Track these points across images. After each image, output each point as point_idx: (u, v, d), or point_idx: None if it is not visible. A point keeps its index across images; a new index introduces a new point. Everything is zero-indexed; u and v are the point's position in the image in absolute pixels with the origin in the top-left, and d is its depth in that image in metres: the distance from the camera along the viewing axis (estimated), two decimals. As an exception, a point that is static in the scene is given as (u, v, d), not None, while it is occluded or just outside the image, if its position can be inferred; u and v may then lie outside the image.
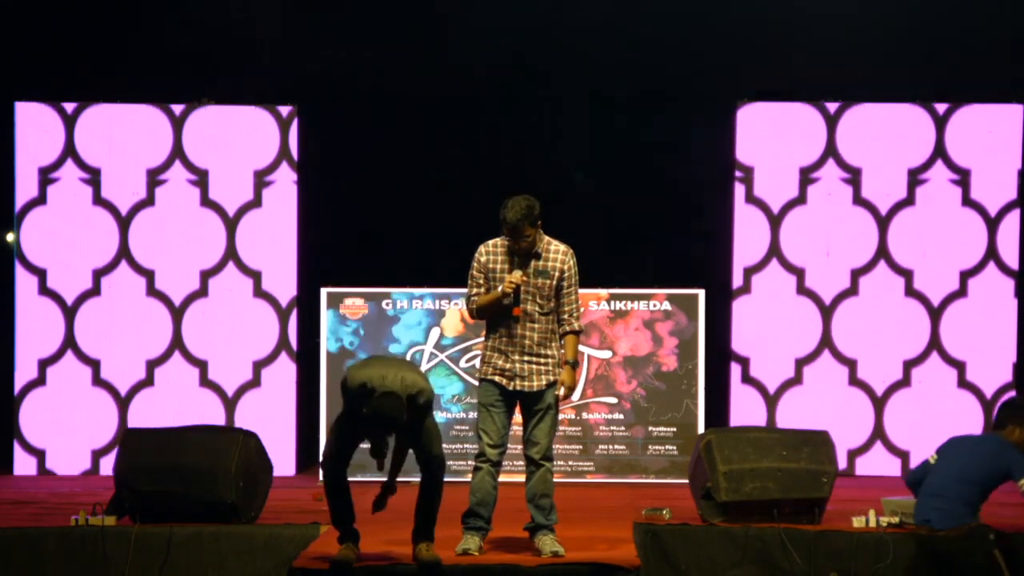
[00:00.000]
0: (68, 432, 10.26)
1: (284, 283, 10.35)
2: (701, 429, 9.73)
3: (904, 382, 10.32)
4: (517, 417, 6.93)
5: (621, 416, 9.94)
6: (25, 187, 10.29)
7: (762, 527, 7.29)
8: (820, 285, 10.34)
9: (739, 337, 10.34)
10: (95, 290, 10.31)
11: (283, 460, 10.10)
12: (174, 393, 10.28)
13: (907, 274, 10.33)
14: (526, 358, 6.79)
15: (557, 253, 6.85)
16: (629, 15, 10.56)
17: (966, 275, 10.30)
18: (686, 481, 8.24)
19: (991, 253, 10.29)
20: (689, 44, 10.56)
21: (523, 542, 6.95)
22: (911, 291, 10.31)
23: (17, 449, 10.25)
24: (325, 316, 9.95)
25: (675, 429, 9.91)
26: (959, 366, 10.30)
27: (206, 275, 10.32)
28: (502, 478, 6.98)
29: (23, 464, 10.25)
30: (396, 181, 10.89)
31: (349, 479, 6.65)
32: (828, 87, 10.39)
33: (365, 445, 6.49)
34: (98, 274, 10.31)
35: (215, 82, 10.45)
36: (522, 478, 6.96)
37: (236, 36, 10.45)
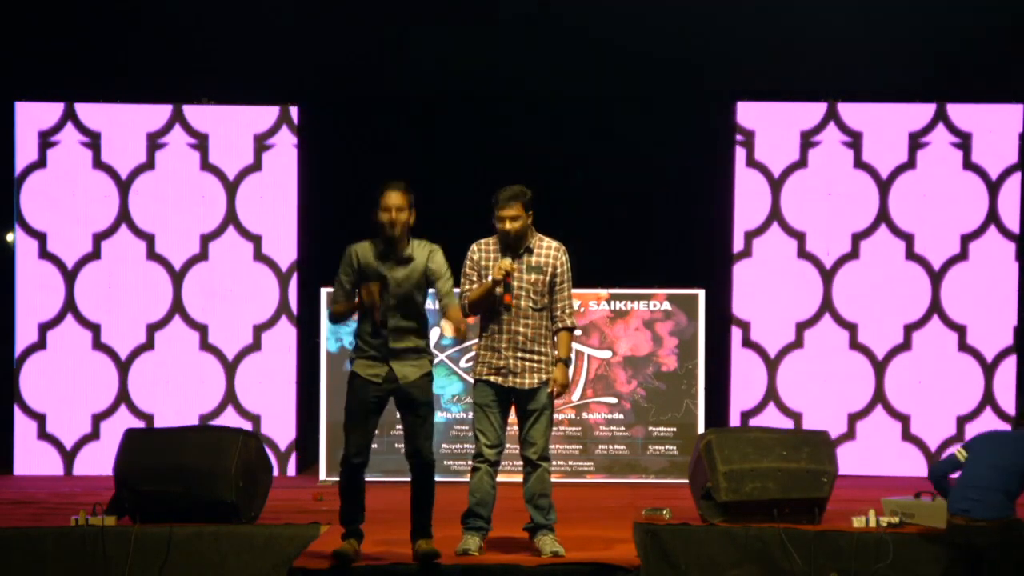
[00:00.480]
0: (68, 397, 10.28)
1: (285, 282, 10.37)
2: (701, 429, 9.73)
3: (905, 346, 10.32)
4: (514, 417, 6.92)
5: (621, 416, 9.94)
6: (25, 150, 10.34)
7: (762, 527, 7.30)
8: (820, 250, 10.35)
9: (740, 302, 10.33)
10: (95, 254, 10.34)
11: (283, 460, 10.11)
12: (175, 357, 10.32)
13: (908, 237, 10.32)
14: (519, 355, 6.77)
15: (550, 249, 6.85)
16: (629, 12, 10.55)
17: (967, 239, 10.28)
18: (686, 481, 8.24)
19: (992, 217, 10.31)
20: (689, 43, 10.56)
21: (523, 542, 6.95)
22: (911, 255, 10.32)
23: (17, 413, 10.26)
24: (325, 316, 9.95)
25: (675, 429, 9.91)
26: (960, 330, 10.31)
27: (207, 238, 10.37)
28: (502, 478, 6.98)
29: (23, 427, 10.26)
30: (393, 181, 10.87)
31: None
32: (827, 87, 10.40)
33: (375, 445, 6.51)
34: (98, 238, 10.32)
35: (215, 82, 10.46)
36: (521, 478, 6.95)
37: (236, 36, 10.45)
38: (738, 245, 10.33)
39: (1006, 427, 9.57)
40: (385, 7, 10.59)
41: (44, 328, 10.29)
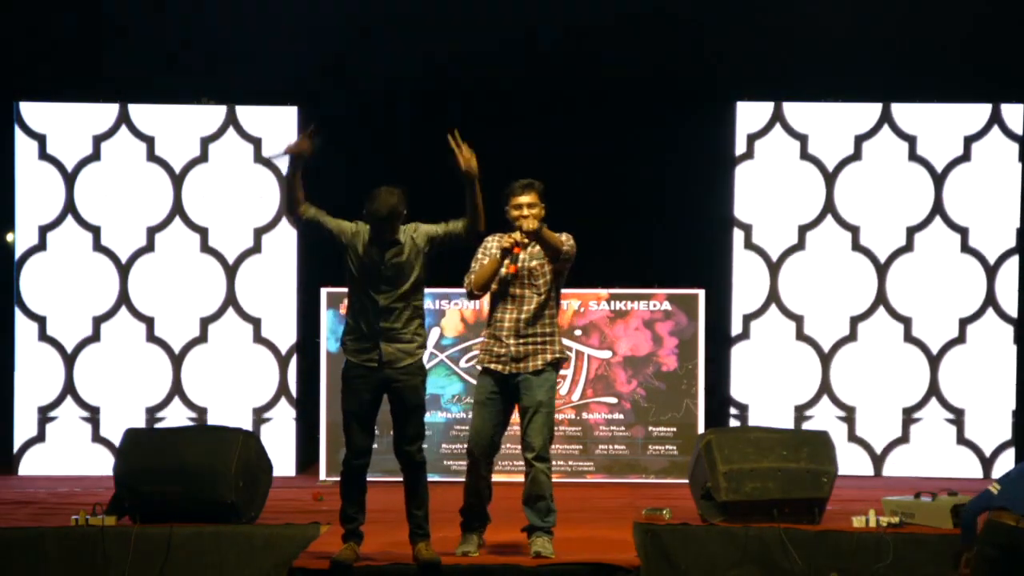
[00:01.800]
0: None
1: (285, 283, 10.37)
2: (701, 429, 9.73)
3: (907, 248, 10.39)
4: (514, 417, 6.90)
5: (621, 416, 9.94)
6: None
7: (762, 527, 7.29)
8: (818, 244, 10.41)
9: (741, 204, 10.34)
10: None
11: (283, 460, 10.10)
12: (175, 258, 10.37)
13: (906, 322, 10.38)
14: (520, 340, 6.72)
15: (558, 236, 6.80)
16: (630, 12, 10.55)
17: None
18: (686, 481, 8.24)
19: None
20: (689, 42, 10.56)
21: (523, 542, 6.95)
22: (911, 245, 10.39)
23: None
24: (325, 316, 9.95)
25: (675, 429, 9.91)
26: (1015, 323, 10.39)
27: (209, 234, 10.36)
28: (504, 478, 6.98)
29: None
30: (395, 180, 10.86)
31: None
32: (829, 87, 10.41)
33: (376, 445, 6.51)
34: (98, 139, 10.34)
35: (216, 82, 10.46)
36: (522, 478, 6.94)
37: (238, 35, 10.45)
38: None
39: None
40: (385, 6, 10.62)
41: (44, 230, 10.32)
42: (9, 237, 10.77)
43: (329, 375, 9.86)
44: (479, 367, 6.87)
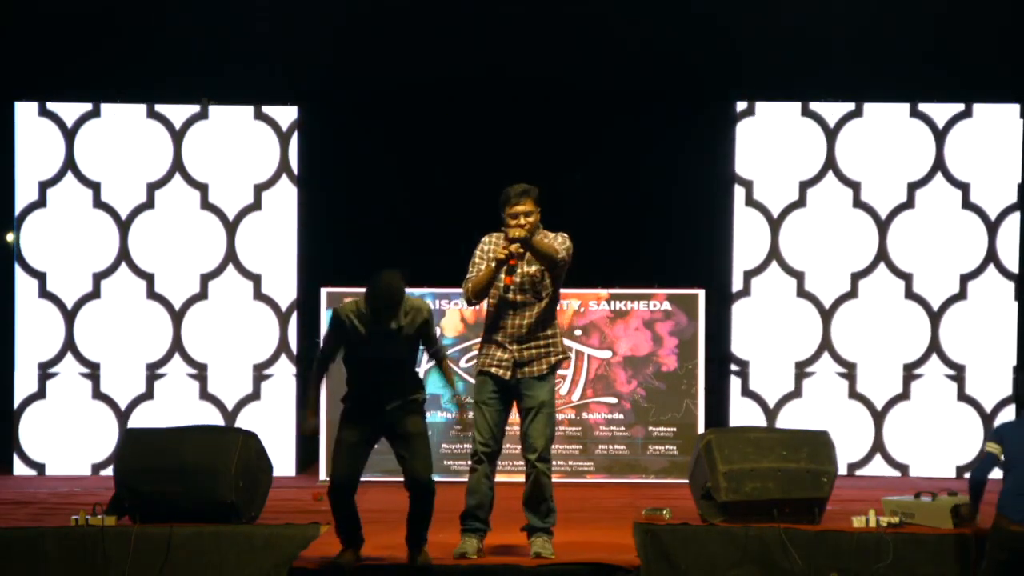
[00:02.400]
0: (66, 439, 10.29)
1: (284, 286, 10.35)
2: (701, 429, 9.73)
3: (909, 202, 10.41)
4: (514, 416, 6.89)
5: (621, 416, 9.93)
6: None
7: (762, 527, 7.29)
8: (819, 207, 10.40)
9: (742, 160, 10.32)
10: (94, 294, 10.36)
11: (283, 460, 10.10)
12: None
13: (907, 278, 10.37)
14: (524, 346, 6.71)
15: (550, 241, 6.75)
16: (629, 13, 10.55)
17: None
18: (686, 481, 8.24)
19: None
20: (689, 42, 10.57)
21: (523, 542, 6.94)
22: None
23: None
24: (325, 316, 9.94)
25: (675, 429, 9.90)
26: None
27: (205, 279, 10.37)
28: (504, 478, 6.96)
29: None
30: (396, 180, 10.88)
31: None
32: (829, 87, 10.41)
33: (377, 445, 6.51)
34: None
35: (216, 82, 10.46)
36: (522, 478, 6.93)
37: (238, 35, 10.46)
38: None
39: None
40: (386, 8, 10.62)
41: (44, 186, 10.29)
42: (9, 237, 10.77)
43: (329, 375, 9.82)
44: (478, 369, 6.84)
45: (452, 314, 9.95)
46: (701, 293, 9.97)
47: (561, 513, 6.93)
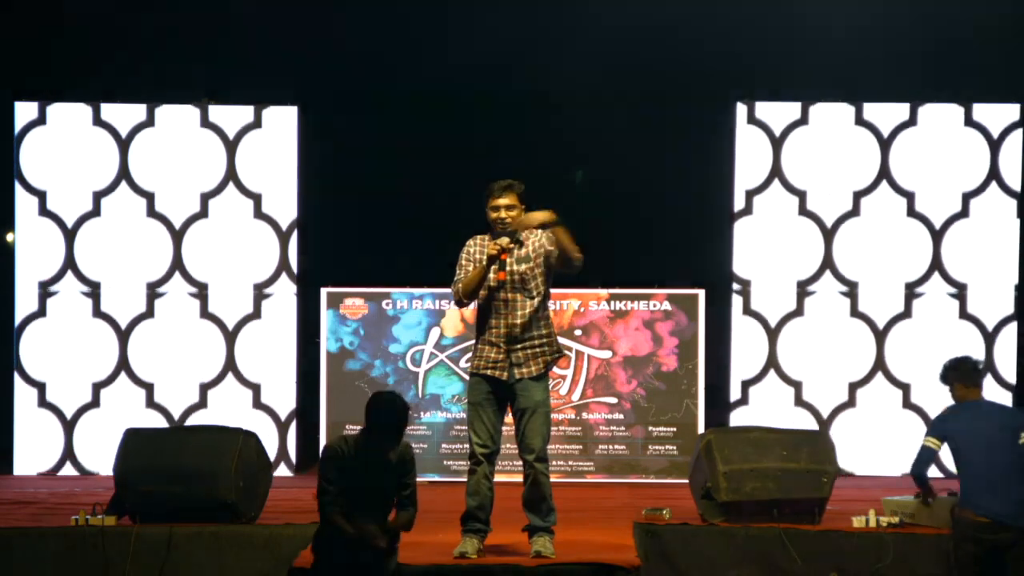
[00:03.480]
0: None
1: (285, 205, 10.28)
2: (701, 429, 9.73)
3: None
4: (510, 417, 6.87)
5: (621, 416, 9.94)
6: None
7: (762, 527, 7.29)
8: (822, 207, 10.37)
9: (742, 160, 10.30)
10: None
11: (283, 460, 10.11)
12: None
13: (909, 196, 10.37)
14: (518, 346, 6.70)
15: (539, 238, 6.75)
16: (629, 13, 10.57)
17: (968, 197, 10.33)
18: (686, 481, 8.24)
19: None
20: (689, 41, 10.58)
21: (523, 542, 6.94)
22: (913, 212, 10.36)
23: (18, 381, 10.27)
24: (325, 316, 9.95)
25: (675, 429, 9.90)
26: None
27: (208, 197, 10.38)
28: (502, 478, 6.95)
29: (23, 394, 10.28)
30: (396, 181, 10.89)
31: None
32: (829, 87, 10.43)
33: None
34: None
35: (217, 82, 10.47)
36: (521, 478, 6.92)
37: (239, 35, 10.47)
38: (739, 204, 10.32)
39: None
40: (386, 8, 10.64)
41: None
42: (9, 237, 10.77)
43: (329, 375, 9.86)
44: (471, 371, 6.82)
45: (452, 314, 9.95)
46: (701, 293, 9.97)
47: (561, 513, 6.93)
